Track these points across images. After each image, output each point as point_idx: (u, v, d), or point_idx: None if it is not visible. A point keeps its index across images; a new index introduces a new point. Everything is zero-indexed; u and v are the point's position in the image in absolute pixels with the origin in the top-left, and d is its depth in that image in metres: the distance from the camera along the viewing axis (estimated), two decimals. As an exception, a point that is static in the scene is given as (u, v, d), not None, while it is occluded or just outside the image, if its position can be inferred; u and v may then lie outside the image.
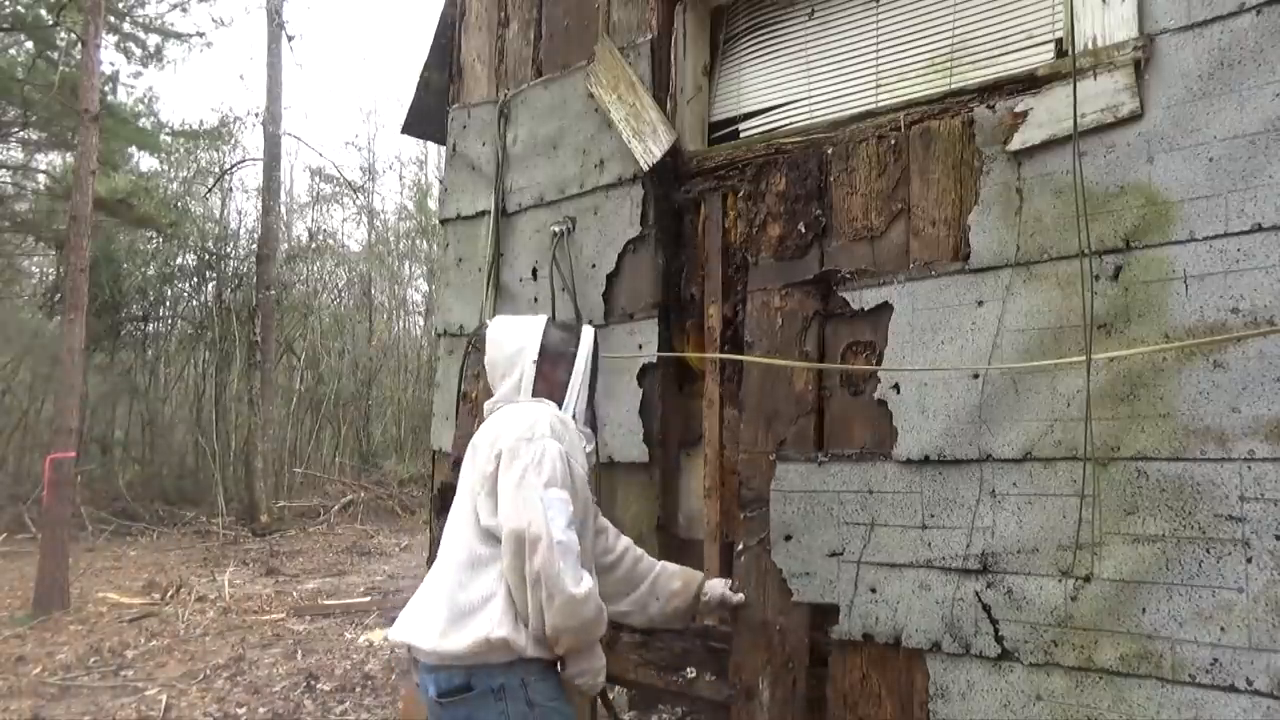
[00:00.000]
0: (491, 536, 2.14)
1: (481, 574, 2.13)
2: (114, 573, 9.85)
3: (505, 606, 2.07)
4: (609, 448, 3.43)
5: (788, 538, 2.89)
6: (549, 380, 2.46)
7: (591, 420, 2.59)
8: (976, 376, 2.53)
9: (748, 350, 3.11)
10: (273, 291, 15.20)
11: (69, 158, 14.13)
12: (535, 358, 2.44)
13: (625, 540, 2.70)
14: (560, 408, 2.42)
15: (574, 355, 2.49)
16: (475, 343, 3.59)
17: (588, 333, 2.60)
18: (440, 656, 2.08)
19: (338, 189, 21.82)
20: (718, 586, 2.85)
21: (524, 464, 2.10)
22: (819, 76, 3.29)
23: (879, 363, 2.74)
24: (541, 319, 2.60)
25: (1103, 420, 2.30)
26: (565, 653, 2.12)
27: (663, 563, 2.80)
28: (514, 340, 2.50)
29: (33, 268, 18.52)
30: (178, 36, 16.21)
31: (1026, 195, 2.51)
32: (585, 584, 2.05)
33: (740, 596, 2.87)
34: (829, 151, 2.97)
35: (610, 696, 2.74)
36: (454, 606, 2.10)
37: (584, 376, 2.49)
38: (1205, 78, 2.25)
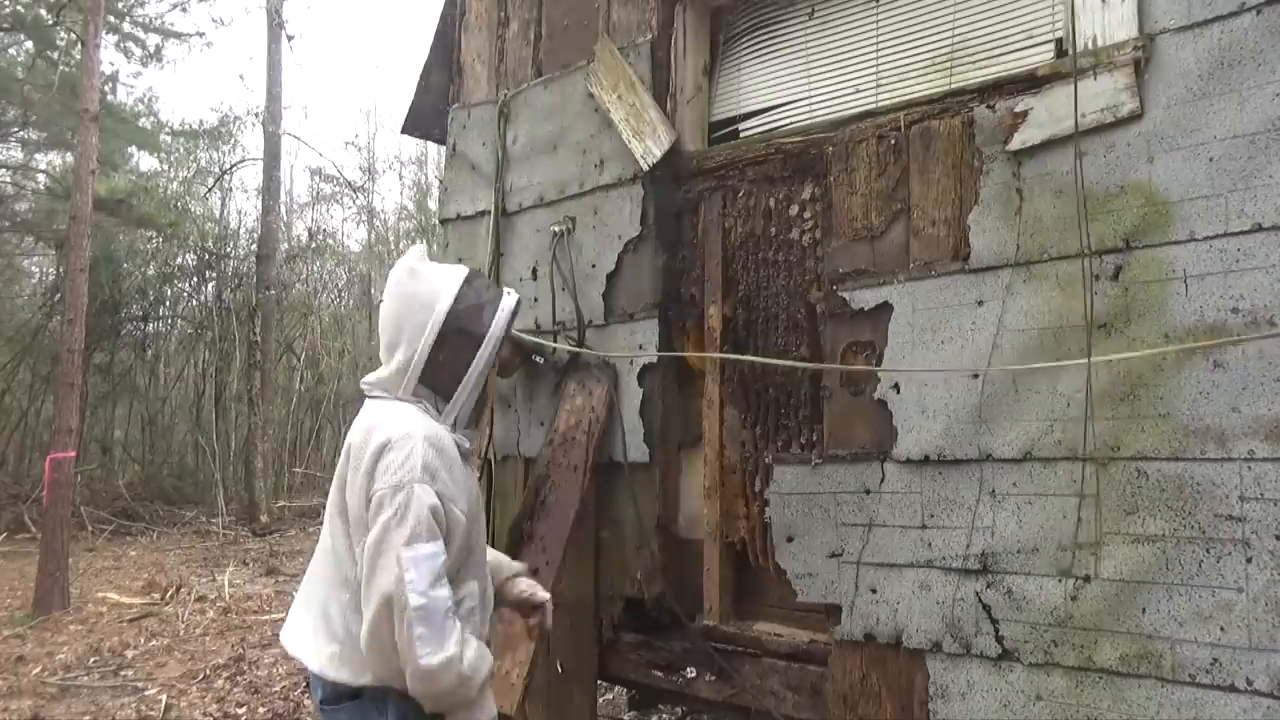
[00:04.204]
0: None
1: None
2: (114, 573, 9.84)
3: None
4: (610, 448, 3.43)
5: (790, 539, 2.89)
6: (441, 371, 2.02)
7: (476, 416, 2.15)
8: (976, 376, 2.53)
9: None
10: (273, 291, 15.18)
11: (69, 158, 14.12)
12: (434, 339, 2.00)
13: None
14: (442, 412, 2.04)
15: (481, 339, 2.02)
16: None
17: (507, 302, 2.08)
18: (332, 679, 1.97)
19: (338, 189, 21.81)
20: (523, 583, 2.41)
21: (387, 519, 1.86)
22: (819, 76, 3.29)
23: (879, 363, 2.74)
24: (462, 272, 2.09)
25: (1103, 420, 2.30)
26: (435, 711, 1.91)
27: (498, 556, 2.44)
28: (421, 297, 2.02)
29: (33, 268, 18.53)
30: (178, 36, 16.21)
31: (1026, 195, 2.51)
32: (443, 652, 1.82)
33: (545, 596, 2.37)
34: (829, 151, 2.97)
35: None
36: (345, 634, 1.96)
37: (482, 369, 2.03)
38: (1205, 78, 2.25)
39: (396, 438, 1.92)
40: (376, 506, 1.87)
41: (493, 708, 1.96)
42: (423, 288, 2.04)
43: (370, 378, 2.09)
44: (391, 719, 1.96)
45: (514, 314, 2.10)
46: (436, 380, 2.03)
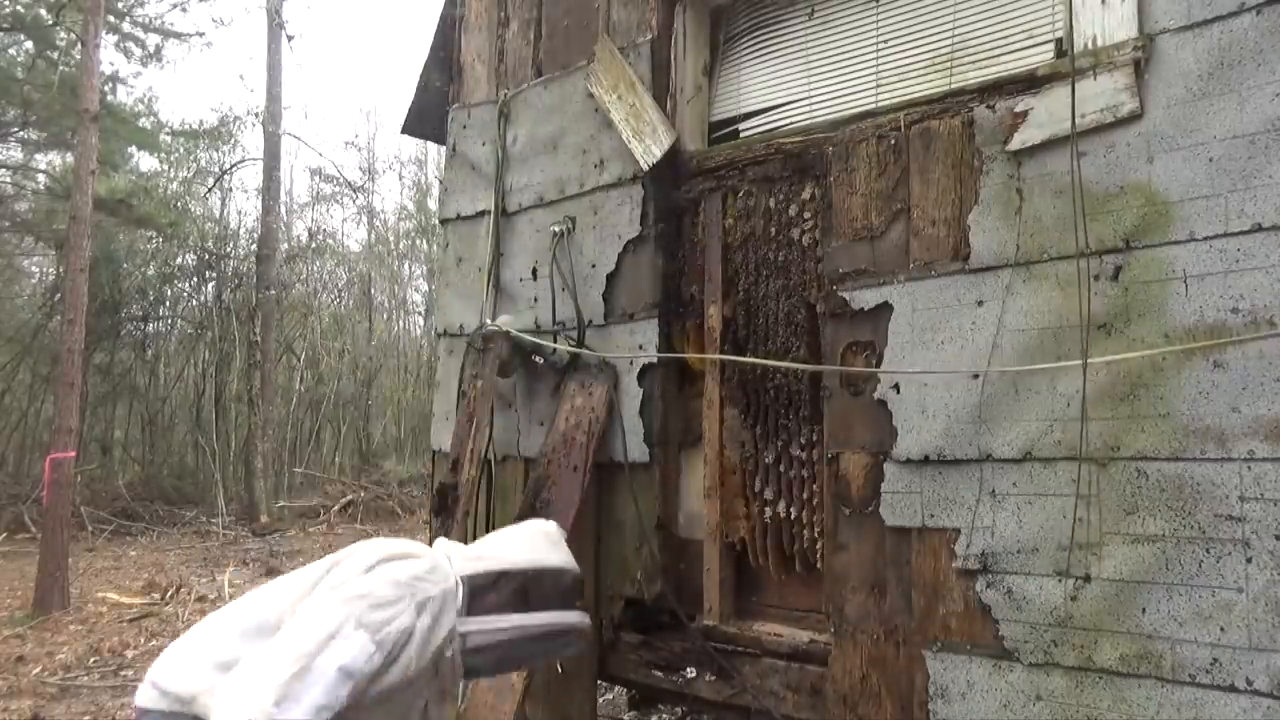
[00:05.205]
0: None
1: None
2: (114, 573, 9.83)
3: None
4: (610, 448, 3.43)
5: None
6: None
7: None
8: (976, 376, 2.53)
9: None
10: (273, 291, 15.18)
11: (69, 158, 14.10)
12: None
13: None
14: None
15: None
16: (474, 342, 3.59)
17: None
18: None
19: (338, 189, 21.78)
20: None
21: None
22: (819, 76, 3.29)
23: (879, 363, 2.74)
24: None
25: (1103, 420, 2.30)
26: None
27: None
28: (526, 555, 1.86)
29: (33, 268, 18.52)
30: (178, 36, 16.20)
31: (1026, 195, 2.51)
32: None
33: None
34: (829, 151, 2.97)
35: None
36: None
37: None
38: (1205, 78, 2.25)
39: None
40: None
41: None
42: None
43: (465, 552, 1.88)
44: None
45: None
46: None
